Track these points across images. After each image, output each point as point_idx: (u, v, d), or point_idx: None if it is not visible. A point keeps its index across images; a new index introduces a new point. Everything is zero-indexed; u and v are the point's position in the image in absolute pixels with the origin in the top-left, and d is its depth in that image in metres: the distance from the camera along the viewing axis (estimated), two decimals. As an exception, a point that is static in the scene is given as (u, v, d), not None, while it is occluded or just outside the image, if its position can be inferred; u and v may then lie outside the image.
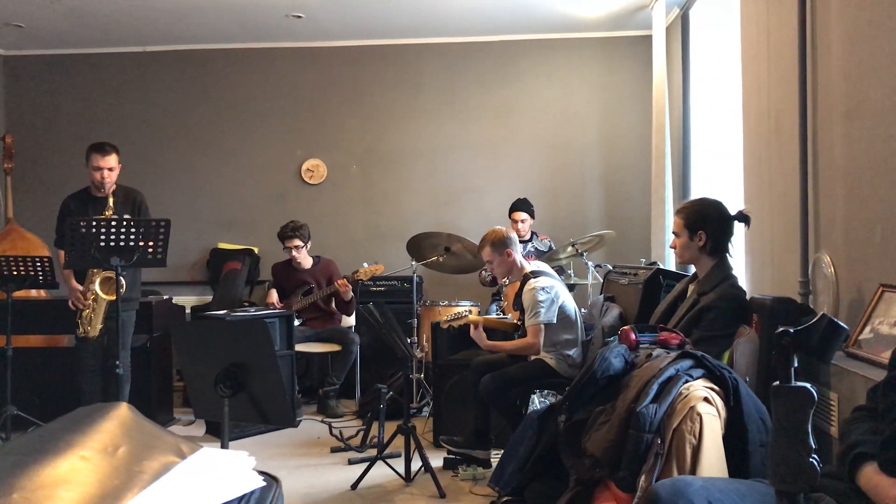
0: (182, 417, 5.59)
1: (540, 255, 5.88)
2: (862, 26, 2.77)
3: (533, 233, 6.18)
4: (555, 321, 4.03)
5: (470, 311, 4.65)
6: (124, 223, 4.07)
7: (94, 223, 4.00)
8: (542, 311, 4.00)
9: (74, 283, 4.58)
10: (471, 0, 5.84)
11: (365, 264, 5.70)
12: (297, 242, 5.81)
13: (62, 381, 5.06)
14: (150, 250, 4.14)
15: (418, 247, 5.78)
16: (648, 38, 6.16)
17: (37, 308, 5.32)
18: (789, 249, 3.44)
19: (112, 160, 4.62)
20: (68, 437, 0.93)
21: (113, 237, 4.01)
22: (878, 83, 2.66)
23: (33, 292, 5.42)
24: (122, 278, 4.17)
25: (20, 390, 4.84)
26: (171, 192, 6.90)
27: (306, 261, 5.95)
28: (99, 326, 4.53)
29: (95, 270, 4.47)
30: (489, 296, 6.14)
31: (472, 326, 4.25)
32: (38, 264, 4.62)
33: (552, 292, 4.05)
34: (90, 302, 4.51)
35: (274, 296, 5.84)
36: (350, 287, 5.74)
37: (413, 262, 5.68)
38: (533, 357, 4.13)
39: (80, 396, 4.63)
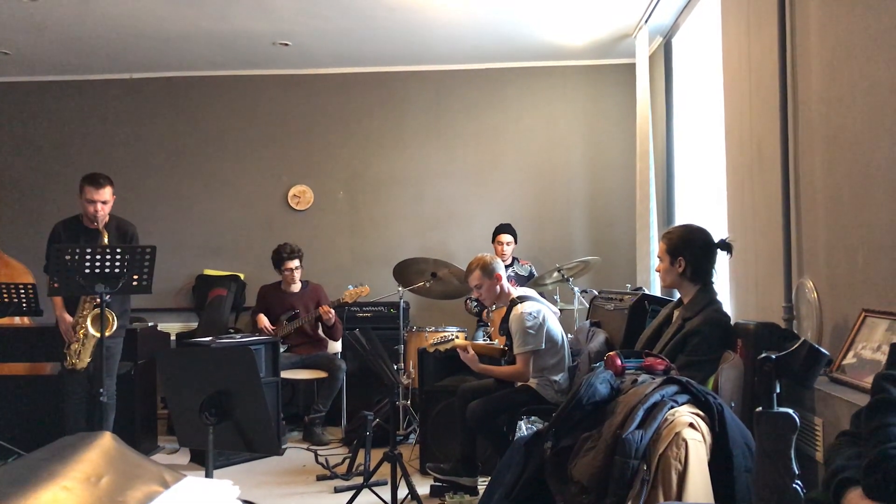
0: (166, 445, 5.54)
1: (521, 280, 5.90)
2: (840, 55, 2.82)
3: (514, 258, 6.22)
4: (543, 347, 4.03)
5: (457, 337, 4.63)
6: (109, 251, 4.05)
7: (77, 252, 3.98)
8: (531, 337, 3.99)
9: (65, 315, 4.50)
10: (456, 28, 5.90)
11: (350, 287, 5.68)
12: (297, 263, 5.82)
13: (45, 410, 5.00)
14: (136, 277, 4.12)
15: (405, 272, 5.78)
16: (632, 67, 6.23)
17: (20, 335, 5.27)
18: (773, 275, 3.47)
19: (106, 193, 4.55)
20: (50, 467, 0.92)
21: (98, 264, 3.99)
22: (857, 111, 2.70)
23: (16, 319, 5.37)
24: (112, 315, 4.14)
25: (2, 419, 4.78)
26: (156, 219, 6.88)
27: (296, 284, 5.94)
28: (87, 360, 4.48)
29: (87, 303, 4.42)
30: (475, 321, 6.14)
31: (461, 350, 4.23)
32: (22, 291, 4.59)
33: (539, 316, 4.04)
34: (80, 336, 4.45)
35: (265, 320, 5.80)
36: (333, 313, 5.72)
37: (400, 288, 5.68)
38: (519, 383, 4.12)
39: (64, 425, 4.57)
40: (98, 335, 4.26)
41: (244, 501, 1.12)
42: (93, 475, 0.94)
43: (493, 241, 6.17)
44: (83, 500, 0.89)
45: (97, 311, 4.31)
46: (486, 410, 3.94)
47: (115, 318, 4.32)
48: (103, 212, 4.56)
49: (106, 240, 4.48)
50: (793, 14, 3.26)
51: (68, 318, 4.49)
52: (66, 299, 4.52)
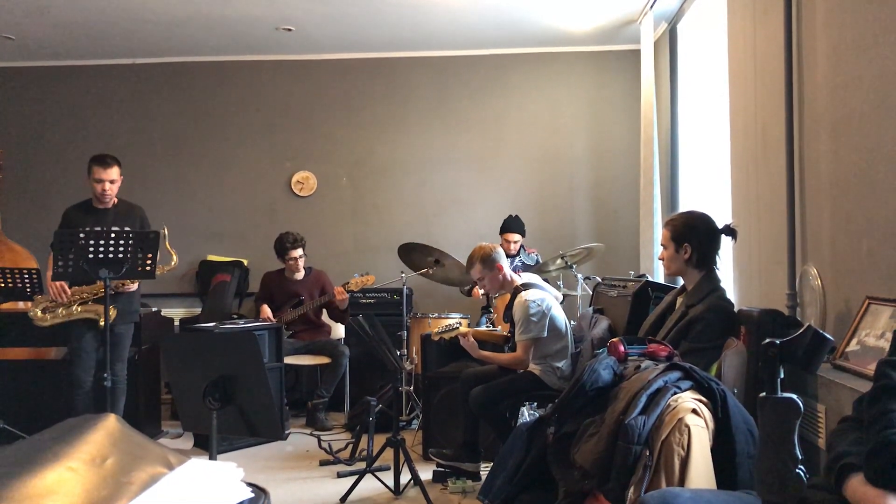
0: (170, 430, 5.56)
1: (527, 268, 5.89)
2: (847, 42, 2.81)
3: (521, 246, 6.20)
4: (545, 335, 4.03)
5: (460, 324, 4.63)
6: (113, 235, 4.06)
7: (80, 235, 3.99)
8: (533, 325, 3.99)
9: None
10: (460, 14, 5.88)
11: (356, 275, 5.69)
12: (301, 252, 5.82)
13: (49, 395, 5.02)
14: (140, 262, 4.13)
15: (408, 256, 5.79)
16: (636, 53, 6.20)
17: (23, 320, 5.25)
18: (776, 262, 3.46)
19: (113, 172, 4.60)
20: (56, 448, 0.92)
21: (102, 249, 4.00)
22: (863, 97, 2.69)
23: (20, 304, 5.38)
24: (112, 308, 4.19)
25: (6, 404, 4.80)
26: (160, 204, 6.86)
27: (300, 272, 5.93)
28: (47, 325, 4.53)
29: (89, 294, 4.47)
30: (479, 308, 6.14)
31: (461, 336, 4.24)
32: (27, 276, 4.59)
33: (543, 305, 4.04)
34: (69, 304, 4.48)
35: (267, 311, 5.80)
36: (347, 296, 5.73)
37: (403, 274, 5.68)
38: (522, 369, 4.13)
39: (72, 412, 4.58)
40: (84, 317, 4.45)
41: (248, 484, 1.12)
42: (98, 456, 0.94)
43: (500, 236, 6.13)
44: (89, 480, 0.90)
45: (93, 305, 4.38)
46: (489, 396, 3.95)
47: (116, 312, 4.36)
48: (111, 191, 4.61)
49: (111, 218, 4.51)
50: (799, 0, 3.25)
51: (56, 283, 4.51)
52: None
